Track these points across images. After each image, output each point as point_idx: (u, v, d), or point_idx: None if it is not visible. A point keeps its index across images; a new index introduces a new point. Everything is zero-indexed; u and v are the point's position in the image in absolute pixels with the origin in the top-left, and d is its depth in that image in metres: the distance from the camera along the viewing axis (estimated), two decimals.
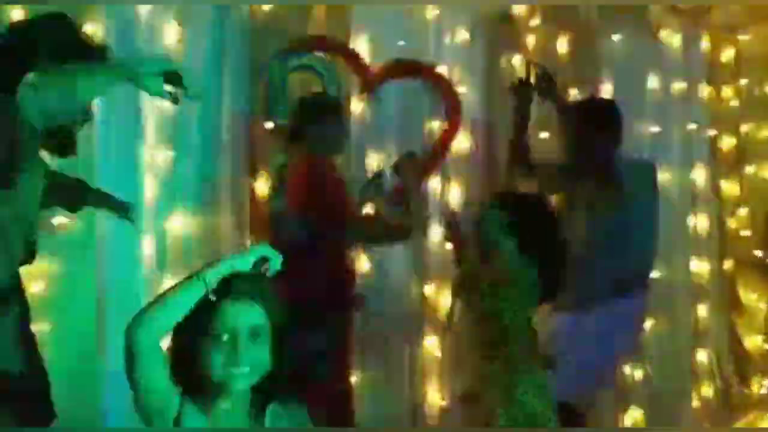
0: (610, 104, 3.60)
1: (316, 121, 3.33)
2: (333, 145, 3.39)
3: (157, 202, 3.23)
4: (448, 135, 3.98)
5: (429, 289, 3.84)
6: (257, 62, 3.65)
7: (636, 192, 3.21)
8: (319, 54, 3.78)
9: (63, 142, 2.19)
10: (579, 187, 3.32)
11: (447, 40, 4.02)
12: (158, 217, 3.22)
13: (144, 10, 3.38)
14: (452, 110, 3.98)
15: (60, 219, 3.30)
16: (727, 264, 4.62)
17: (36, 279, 3.27)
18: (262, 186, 3.66)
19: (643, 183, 3.32)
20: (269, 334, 1.75)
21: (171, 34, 3.41)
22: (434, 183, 3.96)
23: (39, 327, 3.25)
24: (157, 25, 3.41)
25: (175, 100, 2.03)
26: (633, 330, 3.36)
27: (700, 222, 4.52)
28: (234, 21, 3.57)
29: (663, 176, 4.41)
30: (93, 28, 3.35)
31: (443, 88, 3.96)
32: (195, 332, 1.70)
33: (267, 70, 3.68)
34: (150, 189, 3.22)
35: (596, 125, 3.29)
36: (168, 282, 3.04)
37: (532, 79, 3.49)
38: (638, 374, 4.28)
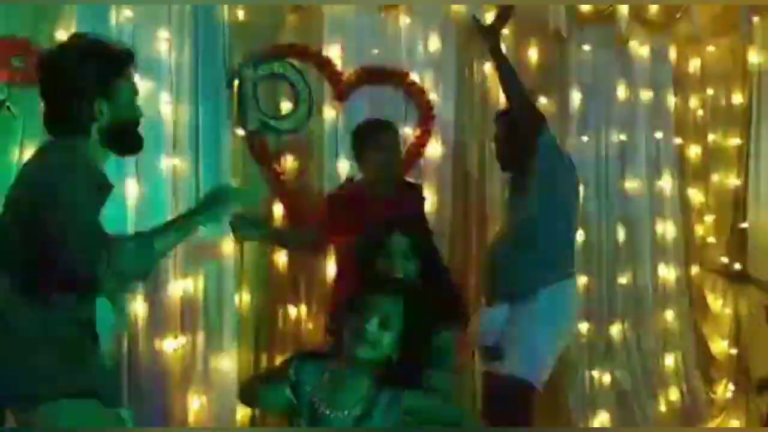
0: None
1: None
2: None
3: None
4: (420, 141, 4.03)
5: None
6: (230, 68, 3.69)
7: (557, 186, 3.29)
8: (292, 61, 3.82)
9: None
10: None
11: (419, 47, 4.08)
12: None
13: (116, 13, 3.42)
14: (424, 117, 4.03)
15: None
16: (694, 270, 4.68)
17: None
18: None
19: (565, 179, 3.38)
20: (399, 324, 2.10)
21: (148, 39, 3.46)
22: None
23: None
24: (128, 28, 3.46)
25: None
26: (567, 313, 3.39)
27: (667, 229, 4.60)
28: (210, 27, 3.62)
29: (631, 184, 4.51)
30: (65, 33, 3.39)
31: (415, 95, 4.01)
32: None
33: (238, 76, 3.71)
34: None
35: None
36: None
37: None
38: (606, 378, 4.35)
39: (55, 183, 2.07)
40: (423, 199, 3.66)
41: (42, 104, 2.25)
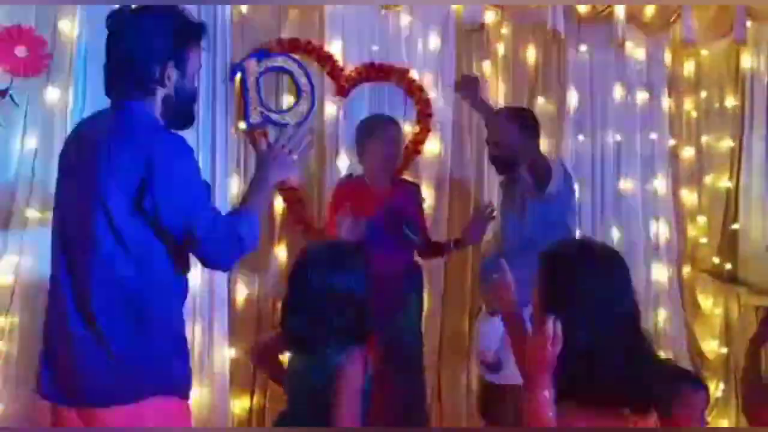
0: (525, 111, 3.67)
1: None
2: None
3: None
4: (419, 138, 4.06)
5: None
6: (233, 63, 3.71)
7: (556, 192, 3.25)
8: (294, 56, 3.84)
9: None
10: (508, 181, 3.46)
11: (419, 46, 4.12)
12: None
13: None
14: (423, 114, 4.06)
15: (34, 213, 3.31)
16: (686, 270, 4.73)
17: (6, 273, 3.28)
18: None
19: (565, 187, 3.38)
20: None
21: None
22: None
23: (8, 320, 3.27)
24: None
25: None
26: None
27: (660, 229, 4.65)
28: (212, 21, 3.63)
29: (625, 184, 4.56)
30: (68, 23, 3.40)
31: (415, 92, 4.05)
32: None
33: (241, 70, 3.73)
34: None
35: (518, 125, 3.33)
36: None
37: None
38: None
39: None
40: (421, 197, 3.66)
41: (106, 63, 2.13)
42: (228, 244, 2.02)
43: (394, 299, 3.27)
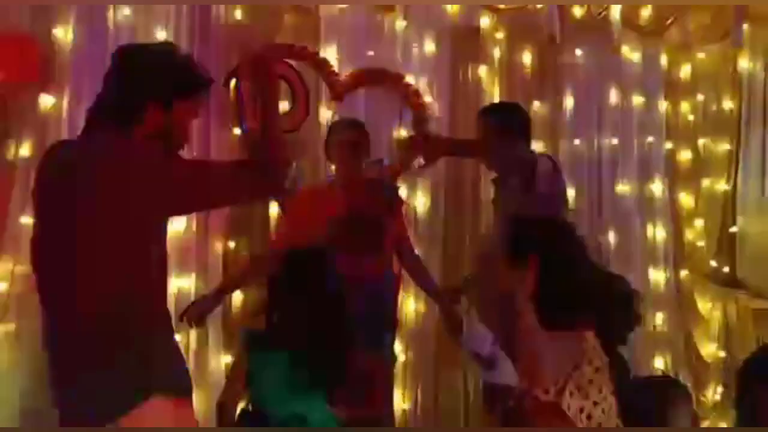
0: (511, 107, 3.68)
1: None
2: None
3: None
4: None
5: None
6: (228, 69, 3.71)
7: (544, 188, 3.24)
8: (289, 61, 3.83)
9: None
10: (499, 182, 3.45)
11: (414, 50, 4.12)
12: None
13: (114, 12, 3.43)
14: (418, 119, 4.06)
15: (27, 219, 3.30)
16: (684, 273, 4.73)
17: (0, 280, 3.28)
18: None
19: (551, 180, 3.36)
20: None
21: (145, 38, 3.46)
22: (400, 191, 4.04)
23: (4, 327, 3.27)
24: (126, 27, 3.47)
25: None
26: None
27: (657, 232, 4.64)
28: (207, 26, 3.64)
29: (622, 188, 4.55)
30: (63, 30, 3.41)
31: (410, 96, 4.04)
32: None
33: (236, 77, 3.73)
34: None
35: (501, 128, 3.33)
36: None
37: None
38: None
39: None
40: (396, 200, 3.56)
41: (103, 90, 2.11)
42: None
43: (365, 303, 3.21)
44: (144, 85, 2.07)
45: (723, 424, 4.51)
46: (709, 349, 4.70)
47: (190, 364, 3.53)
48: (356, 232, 3.26)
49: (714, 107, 4.73)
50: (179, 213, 2.26)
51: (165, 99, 2.08)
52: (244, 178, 2.13)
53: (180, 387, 2.08)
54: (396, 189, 3.71)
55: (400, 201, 3.61)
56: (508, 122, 3.33)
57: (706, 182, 4.75)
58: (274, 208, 3.83)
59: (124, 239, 1.99)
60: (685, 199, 4.77)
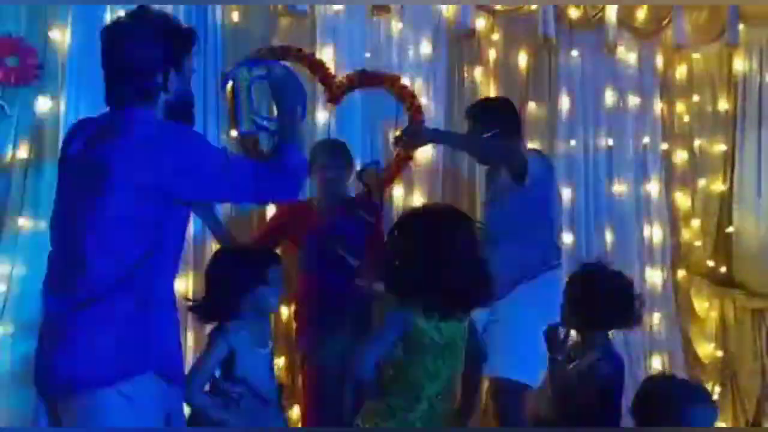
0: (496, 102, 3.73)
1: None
2: None
3: None
4: None
5: None
6: (224, 71, 3.72)
7: (535, 183, 3.24)
8: (285, 63, 3.84)
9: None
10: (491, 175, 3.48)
11: (411, 52, 4.13)
12: None
13: (110, 13, 3.44)
14: (415, 120, 4.06)
15: (23, 220, 3.32)
16: (680, 273, 4.74)
17: None
18: None
19: (544, 177, 3.36)
20: None
21: None
22: (397, 191, 4.05)
23: (2, 328, 3.27)
24: None
25: None
26: (552, 304, 3.30)
27: (654, 233, 4.65)
28: (203, 28, 3.64)
29: (618, 188, 4.56)
30: (59, 32, 3.41)
31: (406, 98, 4.05)
32: None
33: (232, 77, 3.73)
34: None
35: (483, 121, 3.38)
36: None
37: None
38: None
39: None
40: (372, 220, 3.48)
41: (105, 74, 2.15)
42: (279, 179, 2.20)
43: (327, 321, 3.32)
44: (161, 54, 2.12)
45: (722, 424, 4.52)
46: (706, 349, 4.71)
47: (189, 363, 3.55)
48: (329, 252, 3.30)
49: (710, 108, 4.74)
50: (201, 198, 2.34)
51: (177, 61, 2.16)
52: (265, 177, 2.19)
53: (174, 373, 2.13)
54: (375, 207, 3.58)
55: (378, 219, 3.56)
56: (492, 112, 3.41)
57: (702, 182, 4.75)
58: (272, 209, 3.84)
59: (143, 215, 2.03)
60: (682, 200, 4.78)
